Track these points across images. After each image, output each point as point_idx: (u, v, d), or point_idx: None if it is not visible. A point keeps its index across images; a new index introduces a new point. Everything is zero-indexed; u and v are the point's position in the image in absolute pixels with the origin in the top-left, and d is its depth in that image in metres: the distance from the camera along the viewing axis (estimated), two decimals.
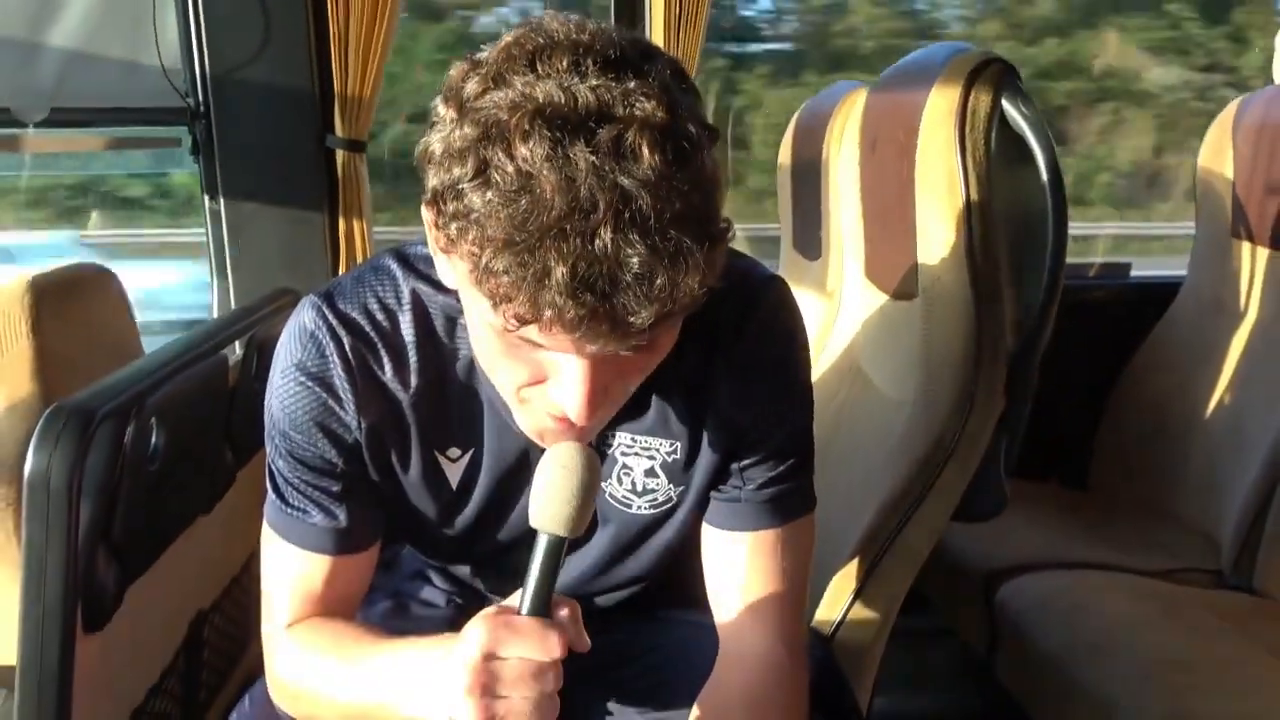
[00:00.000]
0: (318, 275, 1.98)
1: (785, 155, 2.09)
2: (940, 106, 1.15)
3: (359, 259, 2.00)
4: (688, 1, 2.09)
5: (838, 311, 1.63)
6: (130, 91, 2.02)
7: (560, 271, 0.62)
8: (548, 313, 0.64)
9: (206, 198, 2.03)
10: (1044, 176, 1.14)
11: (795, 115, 2.07)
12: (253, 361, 1.54)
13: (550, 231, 0.62)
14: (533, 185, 0.62)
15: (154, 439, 1.18)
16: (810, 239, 1.90)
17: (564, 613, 0.74)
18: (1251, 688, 1.42)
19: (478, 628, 0.72)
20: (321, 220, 2.03)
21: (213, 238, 2.04)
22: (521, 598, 0.74)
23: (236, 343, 1.56)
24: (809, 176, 1.89)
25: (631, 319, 0.65)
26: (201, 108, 1.98)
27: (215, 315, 2.01)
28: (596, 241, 0.62)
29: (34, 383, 1.24)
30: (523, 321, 0.66)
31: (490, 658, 0.71)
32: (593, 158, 0.62)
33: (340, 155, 1.99)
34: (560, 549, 0.74)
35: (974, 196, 1.12)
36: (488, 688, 0.71)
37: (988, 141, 1.13)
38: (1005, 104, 1.14)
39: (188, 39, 1.98)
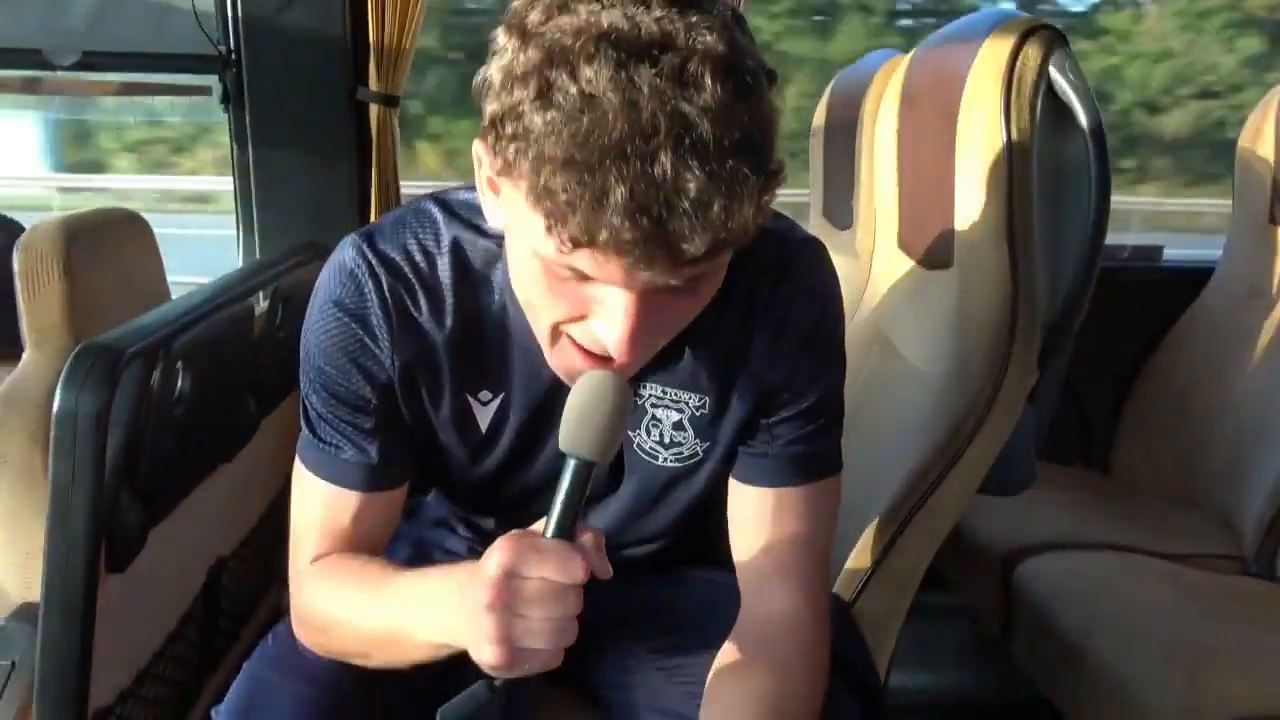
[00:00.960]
0: (344, 230, 1.96)
1: (819, 123, 2.07)
2: (986, 72, 1.13)
3: None
4: None
5: (866, 281, 1.62)
6: (162, 37, 2.01)
7: (619, 192, 0.63)
8: (603, 234, 0.64)
9: (235, 147, 2.02)
10: (1089, 148, 1.12)
11: (830, 83, 2.05)
12: (277, 312, 1.54)
13: (611, 152, 0.62)
14: (595, 106, 0.63)
15: (180, 382, 1.18)
16: (841, 207, 1.88)
17: (587, 538, 0.74)
18: (1270, 673, 1.42)
19: (501, 547, 0.72)
20: (350, 175, 2.02)
21: (240, 188, 2.03)
22: (546, 522, 0.74)
23: (260, 293, 1.57)
24: (843, 144, 1.88)
25: (685, 245, 0.65)
26: (233, 55, 1.96)
27: (241, 264, 2.01)
28: (656, 165, 0.63)
29: (64, 323, 1.25)
30: (577, 244, 0.66)
31: (512, 576, 0.71)
32: (657, 82, 0.63)
33: (373, 109, 1.97)
34: (588, 475, 0.73)
35: (1017, 165, 1.11)
36: (508, 605, 0.70)
37: (1033, 109, 1.11)
38: (1053, 71, 1.12)
39: None
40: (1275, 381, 1.93)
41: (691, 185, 0.63)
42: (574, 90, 0.63)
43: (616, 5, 0.65)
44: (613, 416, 0.73)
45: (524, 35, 0.67)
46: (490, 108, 0.69)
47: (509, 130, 0.67)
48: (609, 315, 0.71)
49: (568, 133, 0.63)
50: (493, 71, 0.69)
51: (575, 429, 0.73)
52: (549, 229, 0.66)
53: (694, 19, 0.65)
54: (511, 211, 0.74)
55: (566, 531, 0.73)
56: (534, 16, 0.67)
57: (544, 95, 0.64)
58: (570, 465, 0.73)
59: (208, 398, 1.27)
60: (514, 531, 0.74)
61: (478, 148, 0.74)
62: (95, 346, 1.03)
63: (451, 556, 1.13)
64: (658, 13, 0.65)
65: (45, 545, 1.01)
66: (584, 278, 0.70)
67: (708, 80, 0.63)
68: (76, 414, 0.98)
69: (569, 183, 0.63)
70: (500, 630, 0.70)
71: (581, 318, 0.74)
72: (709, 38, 0.65)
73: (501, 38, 0.69)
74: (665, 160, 0.63)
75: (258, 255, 2.01)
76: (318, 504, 0.93)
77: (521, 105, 0.65)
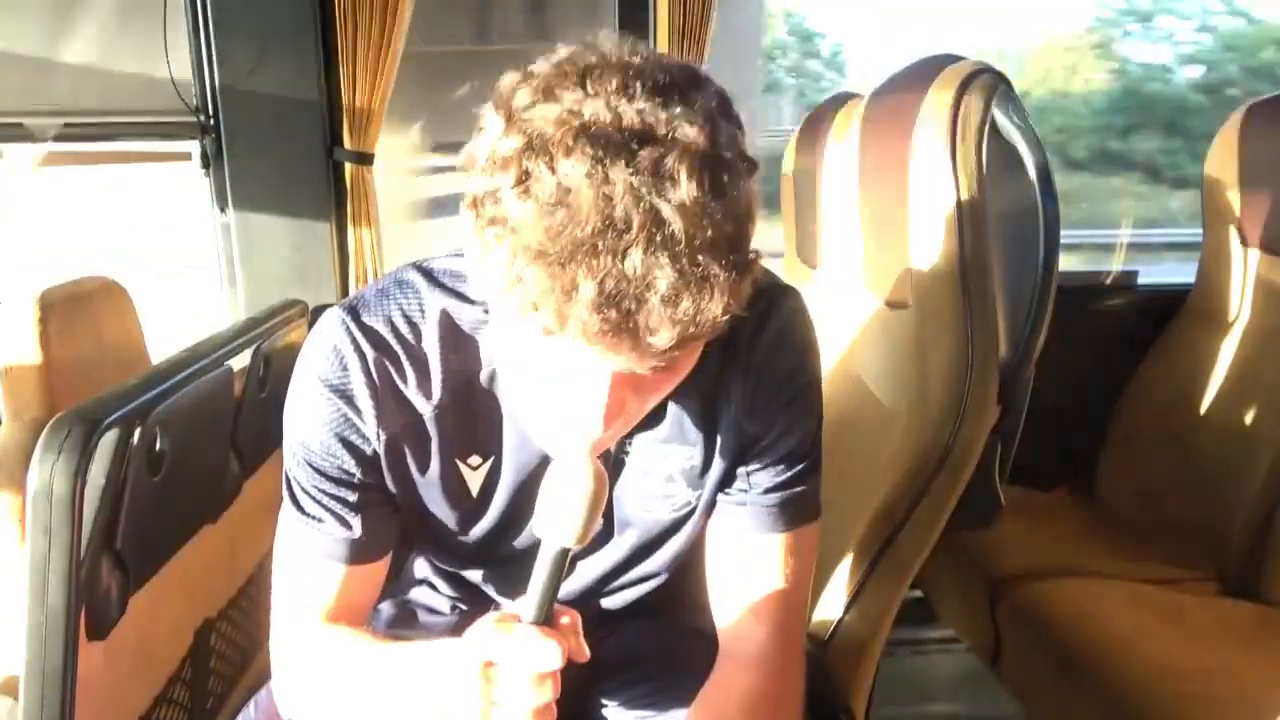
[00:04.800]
0: (326, 286, 2.00)
1: (788, 165, 2.10)
2: (932, 117, 1.15)
3: (368, 270, 2.02)
4: (690, 19, 2.10)
5: (837, 319, 1.63)
6: (142, 106, 2.05)
7: (588, 287, 0.63)
8: (572, 325, 0.65)
9: (216, 209, 2.05)
10: (1035, 185, 1.14)
11: (798, 125, 2.08)
12: (260, 371, 1.55)
13: (582, 247, 0.63)
14: (570, 200, 0.63)
15: (159, 448, 1.19)
16: (811, 247, 1.91)
17: (565, 622, 0.74)
18: (1255, 696, 1.41)
19: (480, 634, 0.72)
20: (330, 232, 2.05)
21: (222, 249, 2.07)
22: (525, 606, 0.74)
23: (245, 352, 1.58)
24: (809, 186, 1.90)
25: (653, 339, 0.66)
26: (211, 121, 2.00)
27: (225, 324, 2.03)
28: (627, 261, 0.63)
29: (41, 394, 1.26)
30: (548, 332, 0.67)
31: (491, 665, 0.72)
32: (631, 178, 0.63)
33: (349, 168, 2.01)
34: (565, 559, 0.74)
35: (965, 206, 1.13)
36: (487, 694, 0.71)
37: (979, 151, 1.13)
38: (996, 112, 1.15)
39: (198, 54, 2.01)
40: (1252, 401, 1.94)
41: (661, 281, 0.64)
42: (551, 182, 0.63)
43: (600, 94, 0.65)
44: (588, 506, 0.74)
45: (509, 117, 0.67)
46: (473, 185, 0.69)
47: (488, 214, 0.67)
48: (586, 395, 0.72)
49: (542, 226, 0.63)
50: (478, 148, 0.69)
51: (550, 518, 0.74)
52: (521, 315, 0.67)
53: (676, 110, 0.65)
54: (490, 288, 0.74)
55: (544, 615, 0.73)
56: (520, 99, 0.67)
57: (522, 183, 0.65)
58: (548, 551, 0.74)
59: (188, 461, 1.27)
60: (492, 615, 0.74)
61: (465, 216, 0.73)
62: (70, 416, 1.03)
63: (434, 614, 1.13)
64: (641, 104, 0.65)
65: (24, 618, 1.01)
66: (561, 355, 0.70)
67: (683, 176, 0.63)
68: (52, 486, 0.98)
69: (541, 274, 0.64)
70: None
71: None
72: (689, 131, 0.65)
73: (489, 115, 0.69)
74: (636, 256, 0.63)
75: (243, 314, 2.03)
76: (300, 576, 0.93)
77: (500, 191, 0.66)
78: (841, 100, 1.83)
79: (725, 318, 0.67)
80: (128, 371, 1.32)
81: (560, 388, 0.74)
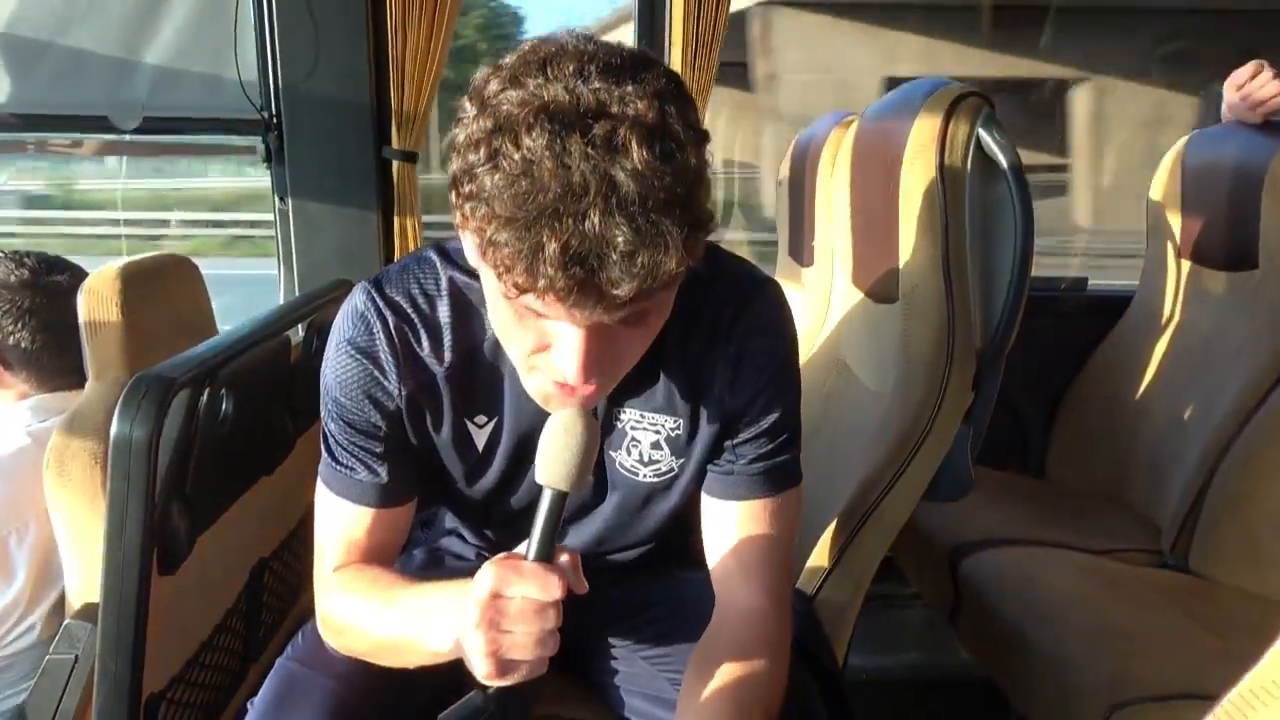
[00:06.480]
0: (371, 270, 1.97)
1: (784, 175, 2.08)
2: (923, 135, 1.14)
3: None
4: (704, 30, 2.07)
5: (826, 311, 1.62)
6: (212, 104, 2.03)
7: (553, 247, 0.63)
8: (541, 282, 0.65)
9: (277, 199, 2.03)
10: (1015, 198, 1.13)
11: (793, 140, 2.06)
12: (312, 342, 1.54)
13: (546, 211, 0.63)
14: (533, 170, 0.63)
15: (224, 407, 1.18)
16: (803, 247, 1.89)
17: (564, 559, 0.74)
18: (1185, 656, 1.41)
19: (487, 571, 0.72)
20: (376, 222, 2.03)
21: (281, 234, 2.04)
22: (528, 545, 0.74)
23: (299, 325, 1.57)
24: (803, 194, 1.88)
25: (615, 291, 0.65)
26: (274, 120, 1.98)
27: (281, 301, 2.01)
28: (586, 222, 0.63)
29: (121, 356, 1.24)
30: (521, 290, 0.66)
31: (497, 596, 0.71)
32: (587, 149, 0.63)
33: (395, 165, 1.99)
34: (561, 502, 0.74)
35: (951, 215, 1.12)
36: (494, 622, 0.71)
37: (964, 165, 1.12)
38: (981, 132, 1.13)
39: (264, 58, 1.99)
40: (1186, 393, 1.93)
41: (619, 239, 0.64)
42: (516, 156, 0.64)
43: (559, 79, 0.65)
44: (581, 453, 0.74)
45: (481, 104, 0.68)
46: (454, 166, 0.69)
47: (465, 190, 0.67)
48: (563, 348, 0.72)
49: (510, 194, 0.64)
50: (457, 135, 0.70)
51: (548, 464, 0.74)
52: (498, 276, 0.67)
53: (628, 89, 0.65)
54: (474, 256, 0.75)
55: (545, 554, 0.74)
56: (491, 87, 0.68)
57: (492, 160, 0.65)
58: (546, 495, 0.74)
59: (250, 419, 1.26)
60: (499, 555, 0.74)
61: (450, 195, 0.74)
62: (148, 377, 1.02)
63: (460, 560, 1.13)
64: (595, 84, 0.65)
65: (103, 553, 1.01)
66: (540, 314, 0.71)
67: (634, 145, 0.64)
68: (130, 438, 0.98)
69: (510, 238, 0.64)
70: (489, 645, 0.71)
71: (545, 348, 0.75)
72: (639, 105, 0.65)
73: (466, 105, 0.70)
74: (594, 217, 0.63)
75: (297, 292, 2.01)
76: (336, 520, 0.93)
77: (476, 168, 0.66)
78: (834, 121, 1.81)
79: (680, 270, 0.67)
80: (197, 338, 1.30)
81: (543, 345, 0.74)
